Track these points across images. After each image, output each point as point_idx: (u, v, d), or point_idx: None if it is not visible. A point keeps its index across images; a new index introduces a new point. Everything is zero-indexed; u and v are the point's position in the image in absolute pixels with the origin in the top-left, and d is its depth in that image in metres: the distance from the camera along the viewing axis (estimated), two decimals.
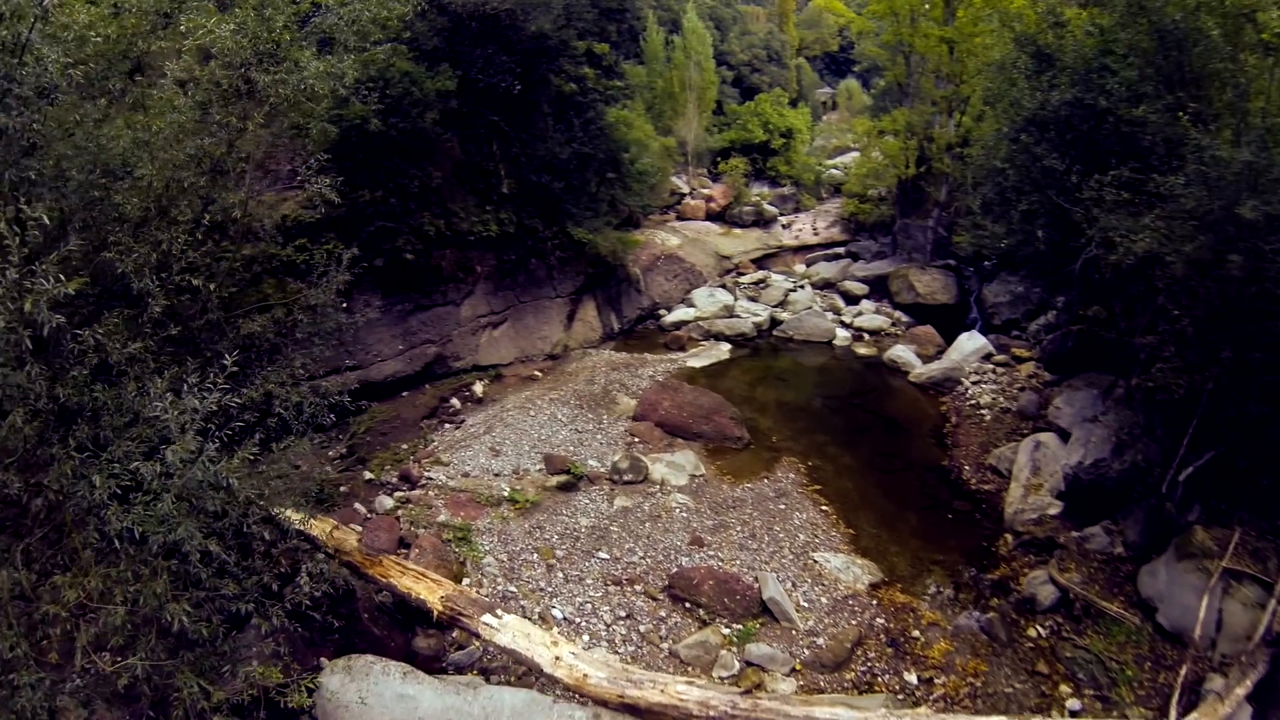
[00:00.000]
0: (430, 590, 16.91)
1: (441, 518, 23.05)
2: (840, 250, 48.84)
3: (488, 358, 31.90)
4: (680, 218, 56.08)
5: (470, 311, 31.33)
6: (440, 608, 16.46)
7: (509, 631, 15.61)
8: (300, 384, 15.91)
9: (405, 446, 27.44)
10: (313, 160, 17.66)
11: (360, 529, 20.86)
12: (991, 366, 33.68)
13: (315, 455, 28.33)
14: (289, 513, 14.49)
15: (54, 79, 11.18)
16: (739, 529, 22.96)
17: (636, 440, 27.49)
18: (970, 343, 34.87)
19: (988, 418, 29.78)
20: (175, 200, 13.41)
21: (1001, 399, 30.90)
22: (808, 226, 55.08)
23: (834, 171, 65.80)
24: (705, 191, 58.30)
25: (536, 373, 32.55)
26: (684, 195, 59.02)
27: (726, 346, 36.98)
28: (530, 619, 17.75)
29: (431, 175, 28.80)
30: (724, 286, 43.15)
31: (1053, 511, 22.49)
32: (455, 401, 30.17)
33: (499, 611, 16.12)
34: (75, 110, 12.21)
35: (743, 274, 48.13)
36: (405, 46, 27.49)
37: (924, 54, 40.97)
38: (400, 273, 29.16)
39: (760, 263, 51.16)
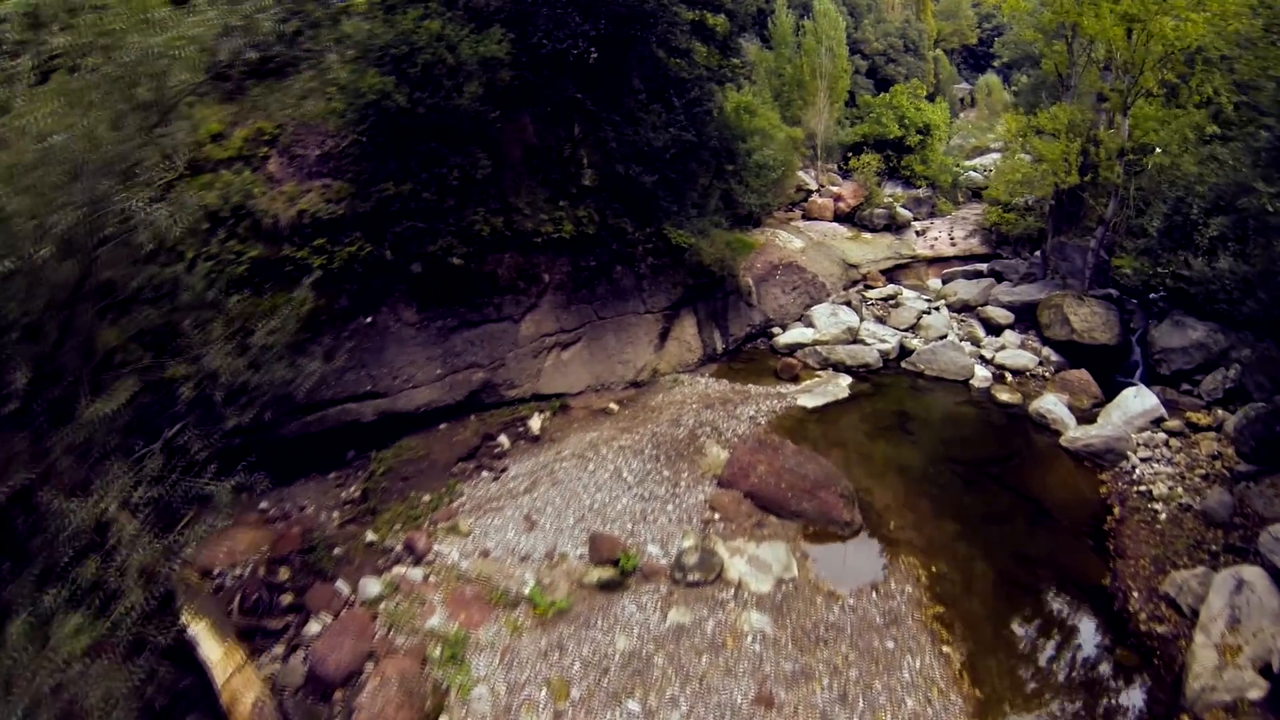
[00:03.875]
0: None
1: (433, 621, 15.56)
2: (981, 268, 38.27)
3: (552, 385, 23.88)
4: (806, 217, 46.71)
5: (533, 329, 23.33)
6: None
7: None
8: None
9: (427, 499, 19.87)
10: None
11: (280, 668, 13.39)
12: (1165, 436, 24.19)
13: (321, 497, 21.33)
14: None
15: None
16: (827, 680, 14.71)
17: (717, 516, 19.07)
18: (1138, 402, 25.36)
19: (1162, 516, 20.36)
20: None
21: (1180, 489, 21.42)
22: (944, 235, 44.76)
23: (973, 174, 54.98)
24: (834, 189, 48.61)
25: (612, 405, 24.36)
26: (811, 192, 49.49)
27: (846, 381, 27.83)
28: None
29: (479, 163, 20.67)
30: (848, 304, 33.58)
31: (1254, 695, 14.25)
32: (503, 439, 22.35)
33: None
34: None
35: (871, 287, 38.52)
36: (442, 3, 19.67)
37: (1094, 37, 30.26)
38: (443, 281, 21.43)
39: (890, 274, 41.32)
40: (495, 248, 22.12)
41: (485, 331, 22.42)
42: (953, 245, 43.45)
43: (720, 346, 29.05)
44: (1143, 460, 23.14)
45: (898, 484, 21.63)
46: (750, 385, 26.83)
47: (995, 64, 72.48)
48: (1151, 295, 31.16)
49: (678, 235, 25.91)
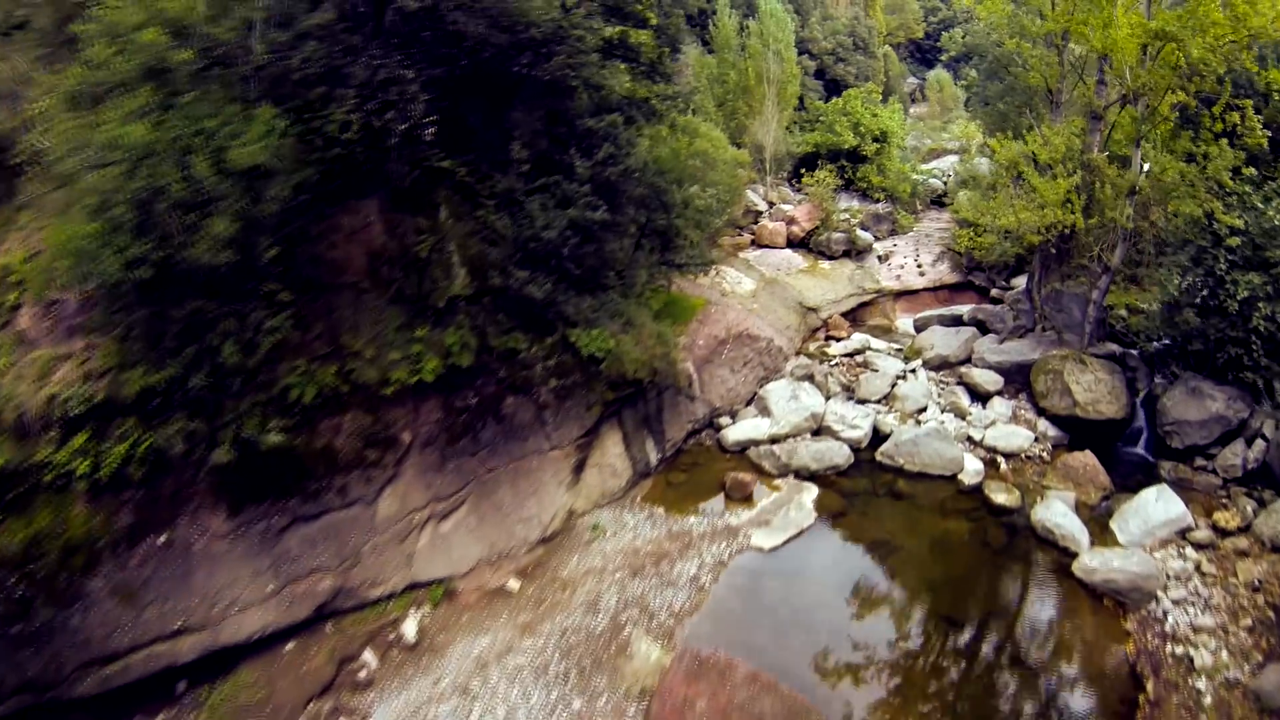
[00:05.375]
0: None
1: None
2: (961, 312, 32.27)
3: (431, 569, 17.74)
4: (756, 243, 40.70)
5: (396, 507, 17.16)
6: None
7: None
8: None
9: None
10: None
11: None
12: (1195, 560, 19.30)
13: None
14: None
15: None
16: None
17: None
18: (1160, 508, 20.48)
19: (1207, 699, 15.58)
20: None
21: (1224, 651, 16.62)
22: (910, 261, 38.85)
23: (933, 180, 49.19)
24: (787, 210, 42.48)
25: (512, 581, 18.28)
26: (760, 213, 43.51)
27: (811, 497, 21.85)
28: None
29: (256, 325, 14.45)
30: (810, 378, 27.26)
31: None
32: (368, 657, 16.30)
33: None
34: None
35: (833, 337, 32.62)
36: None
37: (1103, 52, 24.16)
38: (259, 469, 15.33)
39: (854, 314, 35.48)
40: (328, 410, 15.99)
41: (328, 524, 16.31)
42: (921, 274, 37.63)
43: (655, 458, 23.05)
44: (1175, 602, 18.30)
45: (877, 682, 15.98)
46: (692, 517, 20.89)
47: (943, 58, 67.21)
48: (1155, 344, 25.64)
49: (589, 342, 19.81)
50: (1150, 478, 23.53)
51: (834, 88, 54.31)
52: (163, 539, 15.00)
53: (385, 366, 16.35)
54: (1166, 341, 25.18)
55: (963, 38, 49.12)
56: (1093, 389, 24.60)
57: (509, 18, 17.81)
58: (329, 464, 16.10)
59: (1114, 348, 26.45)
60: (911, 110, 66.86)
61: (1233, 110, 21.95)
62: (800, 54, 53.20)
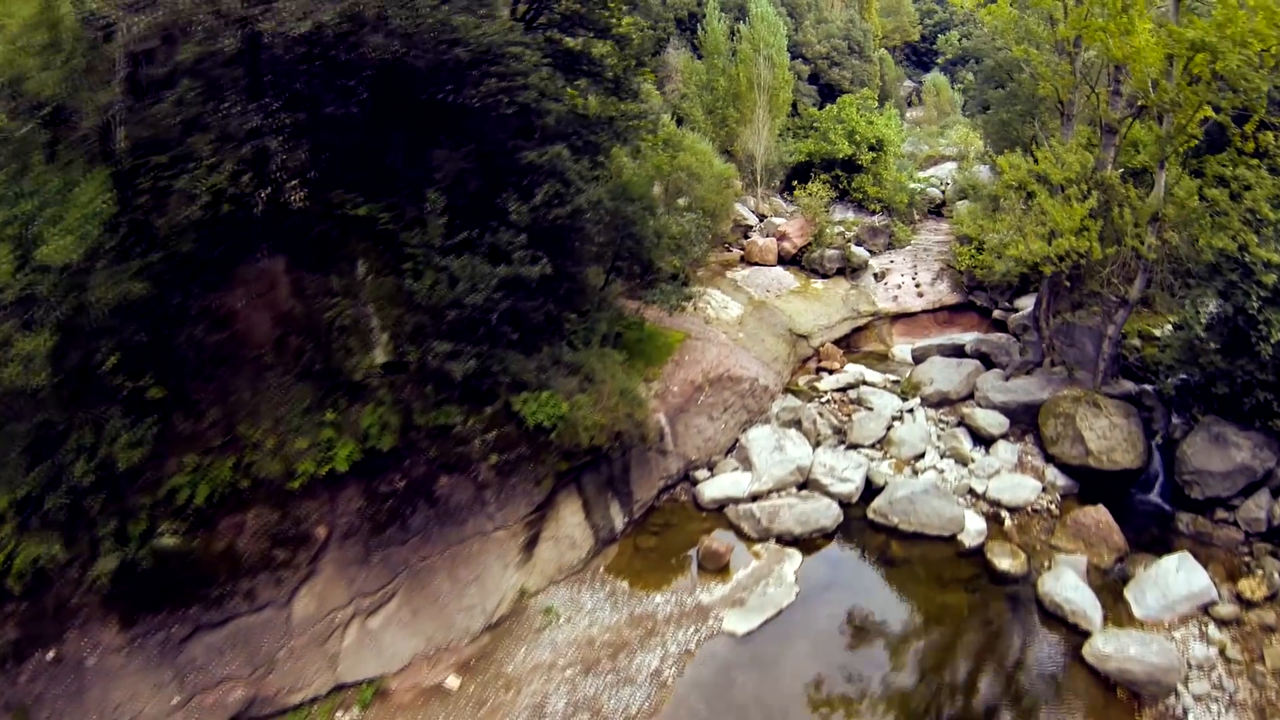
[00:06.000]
0: None
1: None
2: (963, 342, 29.79)
3: (359, 669, 15.73)
4: (746, 260, 38.37)
5: (314, 607, 15.15)
6: None
7: None
8: None
9: None
10: None
11: None
12: (1220, 644, 17.20)
13: None
14: None
15: None
16: None
17: None
18: (1181, 579, 18.34)
19: None
20: None
21: None
22: (908, 280, 36.54)
23: (931, 190, 46.80)
24: (778, 224, 40.14)
25: (451, 678, 16.20)
26: (750, 228, 41.26)
27: (794, 564, 19.71)
28: None
29: (112, 437, 12.42)
30: (796, 423, 24.97)
31: None
32: None
33: None
34: None
35: (825, 369, 30.42)
36: None
37: (1125, 62, 21.75)
38: (152, 576, 13.45)
39: (848, 340, 33.31)
40: (228, 508, 14.03)
41: (236, 630, 14.37)
42: (919, 295, 35.33)
43: (621, 522, 20.96)
44: (1196, 698, 16.08)
45: None
46: (658, 595, 18.81)
47: (939, 61, 64.64)
48: (1174, 380, 23.41)
49: (537, 410, 17.72)
50: (1166, 531, 21.48)
51: (828, 93, 51.92)
52: (51, 654, 13.19)
53: (290, 457, 14.34)
54: (1184, 377, 22.97)
55: (960, 40, 46.73)
56: (1107, 436, 22.38)
57: (430, 36, 15.65)
58: (232, 567, 14.15)
59: (1130, 386, 24.19)
60: (908, 114, 64.36)
61: (1267, 129, 19.63)
62: (794, 58, 50.80)
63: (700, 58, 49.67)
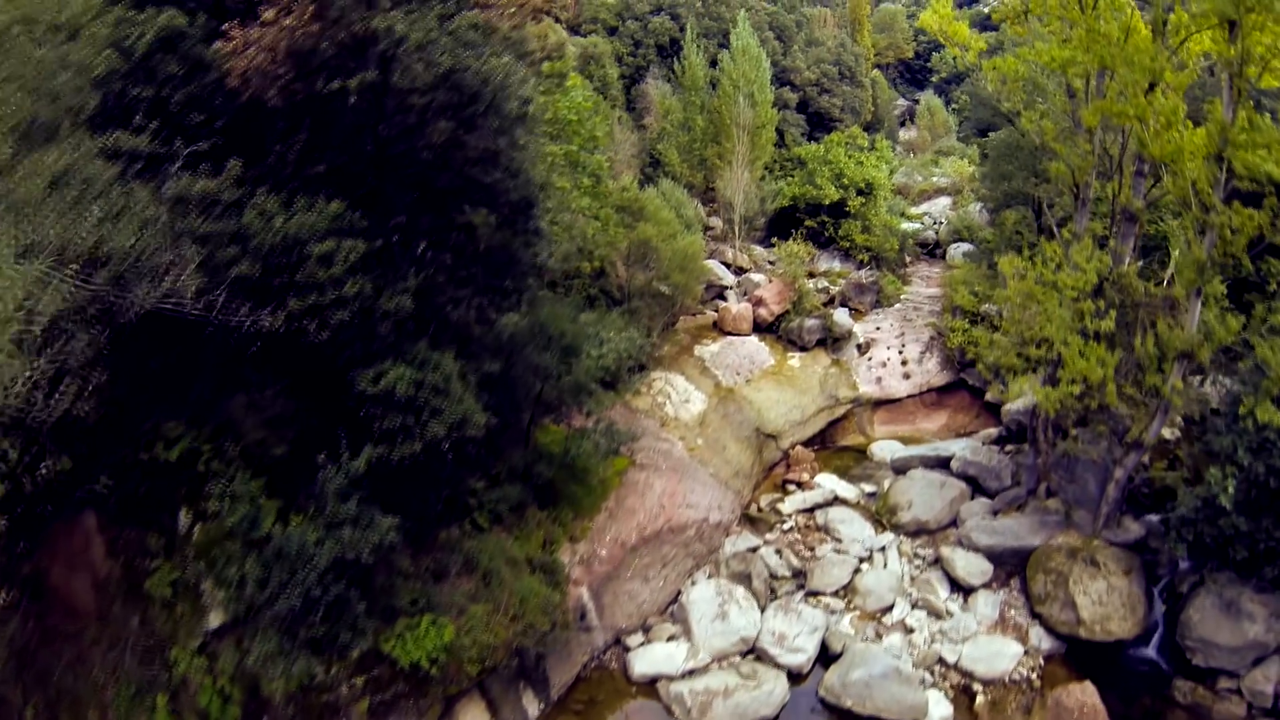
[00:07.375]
0: None
1: None
2: (949, 453, 26.31)
3: None
4: (720, 329, 35.24)
5: None
6: None
7: None
8: None
9: None
10: None
11: None
12: None
13: None
14: None
15: None
16: None
17: None
18: None
19: None
20: None
21: None
22: (894, 354, 33.20)
23: (925, 231, 43.40)
24: (756, 285, 36.87)
25: None
26: (726, 289, 37.95)
27: None
28: None
29: None
30: (746, 578, 21.54)
31: None
32: None
33: None
34: None
35: (792, 479, 27.32)
36: None
37: (1163, 161, 18.02)
38: None
39: (824, 436, 30.24)
40: None
41: None
42: (906, 376, 32.01)
43: (535, 712, 18.21)
44: None
45: None
46: None
47: (934, 79, 60.58)
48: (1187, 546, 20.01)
49: (413, 648, 15.00)
50: (1160, 699, 18.80)
51: (818, 120, 48.15)
52: None
53: None
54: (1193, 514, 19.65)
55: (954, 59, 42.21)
56: (1103, 601, 19.37)
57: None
58: None
59: (1134, 530, 20.94)
60: (901, 135, 60.50)
61: None
62: (782, 85, 47.12)
63: (680, 91, 46.16)
